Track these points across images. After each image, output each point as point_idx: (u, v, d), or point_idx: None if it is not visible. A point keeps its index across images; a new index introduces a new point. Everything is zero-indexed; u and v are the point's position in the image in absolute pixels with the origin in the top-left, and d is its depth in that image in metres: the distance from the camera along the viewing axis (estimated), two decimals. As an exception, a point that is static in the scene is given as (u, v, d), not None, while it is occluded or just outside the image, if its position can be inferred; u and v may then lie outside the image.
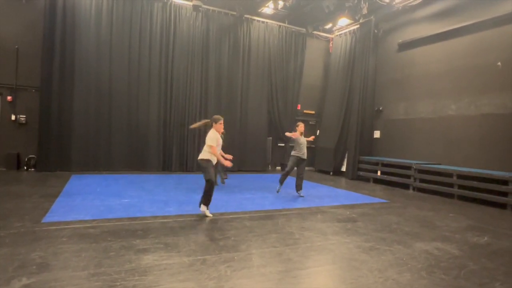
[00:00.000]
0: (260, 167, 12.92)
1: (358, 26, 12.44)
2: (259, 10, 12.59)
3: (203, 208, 5.62)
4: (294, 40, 13.51)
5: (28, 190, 7.04)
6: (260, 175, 11.78)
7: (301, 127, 7.97)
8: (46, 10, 9.68)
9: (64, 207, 5.73)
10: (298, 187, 7.99)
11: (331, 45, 14.28)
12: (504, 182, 7.63)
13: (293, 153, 7.96)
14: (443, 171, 8.99)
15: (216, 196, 6.49)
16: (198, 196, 7.15)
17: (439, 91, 10.27)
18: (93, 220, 5.05)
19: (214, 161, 5.65)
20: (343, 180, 11.64)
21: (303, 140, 7.91)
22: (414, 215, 6.60)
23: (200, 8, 11.36)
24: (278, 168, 13.85)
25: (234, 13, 12.11)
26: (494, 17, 8.81)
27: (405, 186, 10.04)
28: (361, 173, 11.69)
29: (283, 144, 13.69)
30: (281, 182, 8.13)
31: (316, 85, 14.47)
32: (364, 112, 12.12)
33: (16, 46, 9.92)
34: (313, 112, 14.56)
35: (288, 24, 13.32)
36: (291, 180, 8.73)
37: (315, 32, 13.64)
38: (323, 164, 13.47)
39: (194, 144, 11.67)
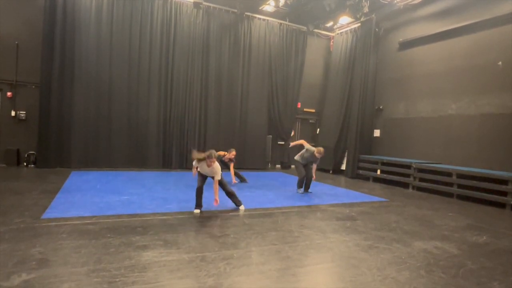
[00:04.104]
0: (260, 165, 12.93)
1: (359, 24, 12.41)
2: (260, 8, 12.54)
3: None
4: (294, 38, 13.49)
5: (28, 186, 7.04)
6: (260, 173, 11.79)
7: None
8: (46, 6, 9.64)
9: (63, 204, 5.74)
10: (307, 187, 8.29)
11: (331, 43, 14.25)
12: (504, 181, 7.63)
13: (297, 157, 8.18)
14: (442, 170, 8.99)
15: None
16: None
17: (440, 90, 10.27)
18: (93, 217, 5.06)
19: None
20: (342, 179, 11.66)
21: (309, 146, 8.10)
22: (414, 214, 6.61)
23: (201, 5, 11.32)
24: (278, 166, 13.85)
25: (235, 10, 12.08)
26: (495, 16, 8.79)
27: (405, 185, 10.05)
28: (360, 171, 11.70)
29: (283, 142, 13.69)
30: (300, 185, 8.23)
31: (316, 84, 14.45)
32: (364, 111, 12.11)
33: (16, 42, 9.90)
34: (313, 110, 14.56)
35: (289, 22, 13.29)
36: (292, 179, 8.72)
37: (316, 30, 13.61)
38: (322, 162, 13.39)
39: (194, 142, 11.67)
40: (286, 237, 4.65)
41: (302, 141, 8.31)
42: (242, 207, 6.15)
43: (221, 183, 5.97)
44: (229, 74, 12.34)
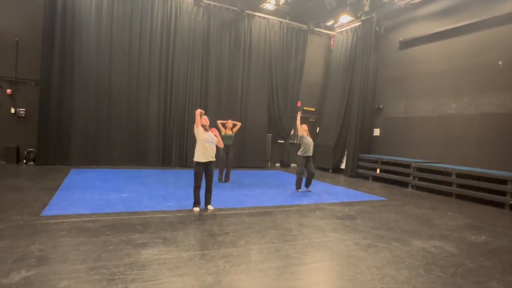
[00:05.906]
0: (260, 164, 12.93)
1: (359, 23, 12.40)
2: (261, 6, 12.53)
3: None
4: (295, 37, 13.47)
5: (28, 184, 7.05)
6: (260, 172, 11.79)
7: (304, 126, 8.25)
8: (46, 3, 9.62)
9: (63, 201, 5.74)
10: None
11: (332, 42, 14.23)
12: (503, 181, 7.64)
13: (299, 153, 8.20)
14: (442, 169, 8.99)
15: (215, 192, 6.51)
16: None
17: (440, 89, 10.26)
18: (92, 214, 5.06)
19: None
20: (342, 178, 11.66)
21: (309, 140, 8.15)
22: (413, 213, 6.62)
23: (201, 3, 11.32)
24: (278, 164, 13.86)
25: (236, 8, 12.06)
26: (495, 16, 8.79)
27: (404, 184, 10.05)
28: (360, 170, 11.70)
29: (282, 141, 13.69)
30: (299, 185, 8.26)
31: (316, 82, 14.44)
32: (364, 110, 12.10)
33: (16, 39, 9.87)
34: (313, 109, 14.55)
35: (289, 20, 13.27)
36: (291, 178, 8.74)
37: (316, 28, 13.59)
38: (322, 161, 13.48)
39: (193, 140, 11.65)
40: (286, 236, 4.65)
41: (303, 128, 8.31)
42: (210, 207, 5.98)
43: (209, 175, 5.97)
44: (229, 72, 12.33)
